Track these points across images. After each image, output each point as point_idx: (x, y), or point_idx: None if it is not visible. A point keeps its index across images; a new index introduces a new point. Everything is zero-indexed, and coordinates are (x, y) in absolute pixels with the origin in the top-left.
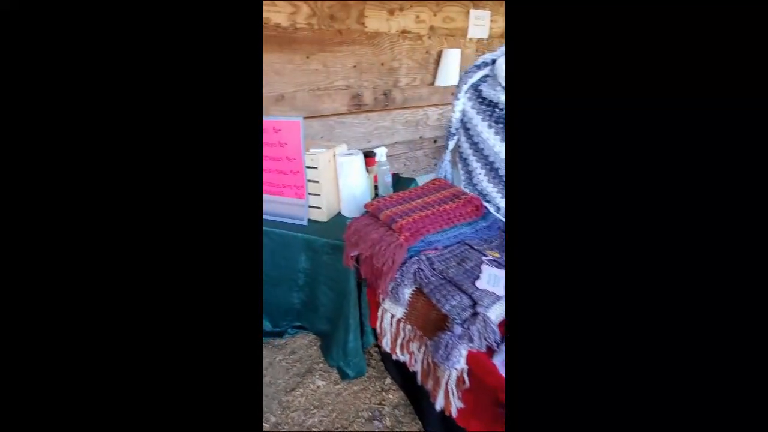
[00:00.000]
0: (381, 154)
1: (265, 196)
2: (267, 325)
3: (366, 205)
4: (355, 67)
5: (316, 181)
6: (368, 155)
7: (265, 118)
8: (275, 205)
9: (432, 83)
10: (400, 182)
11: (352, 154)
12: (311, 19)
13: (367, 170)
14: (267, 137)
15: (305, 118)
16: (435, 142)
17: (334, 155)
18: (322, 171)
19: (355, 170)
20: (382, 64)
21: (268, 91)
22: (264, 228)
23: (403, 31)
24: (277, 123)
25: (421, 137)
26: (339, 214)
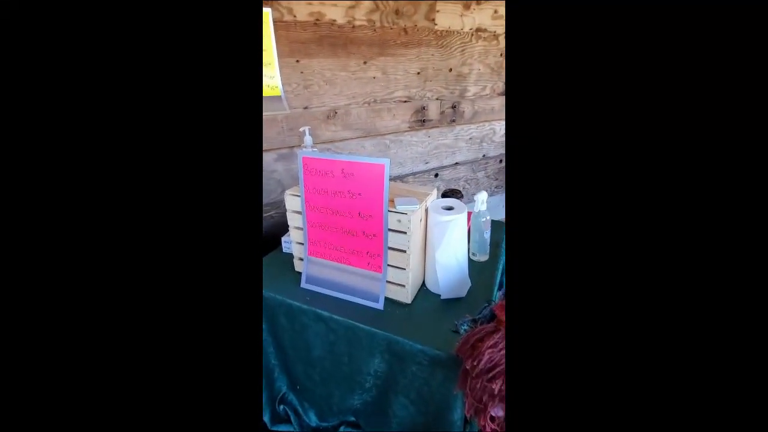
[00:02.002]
0: (481, 201)
1: (320, 261)
2: (312, 419)
3: (499, 311)
4: (419, 73)
5: (403, 251)
6: (447, 196)
7: (328, 156)
8: (336, 273)
9: (504, 93)
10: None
11: (452, 209)
12: (373, 15)
13: None
14: (331, 183)
15: (358, 138)
16: (501, 162)
17: (426, 211)
18: (413, 235)
19: (458, 234)
20: (450, 70)
21: (317, 104)
22: (316, 310)
23: (478, 30)
24: (349, 165)
25: (484, 156)
26: (422, 287)
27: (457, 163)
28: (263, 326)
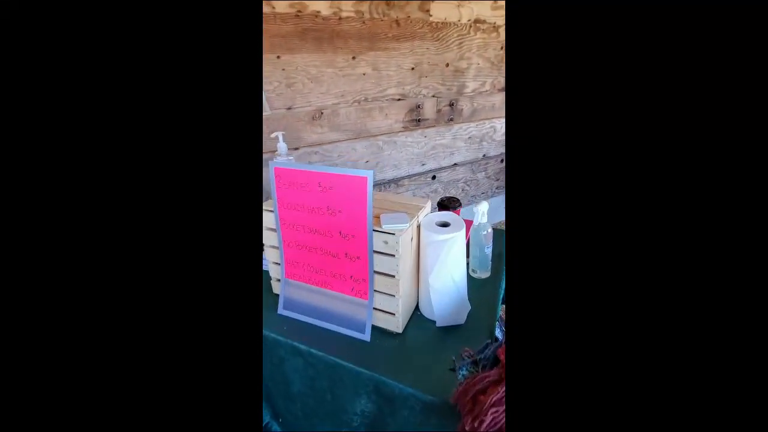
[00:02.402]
0: (481, 213)
1: (299, 284)
2: None
3: (504, 356)
4: (413, 69)
5: (391, 276)
6: (444, 205)
7: (302, 167)
8: (317, 298)
9: (504, 88)
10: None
11: (447, 226)
12: (361, 6)
13: None
14: (308, 198)
15: (348, 140)
16: (502, 161)
17: (419, 227)
18: (403, 259)
19: (455, 254)
20: (447, 65)
21: (301, 104)
22: (293, 343)
23: (476, 21)
24: (327, 177)
25: (484, 156)
26: (415, 312)
27: (455, 164)
28: None
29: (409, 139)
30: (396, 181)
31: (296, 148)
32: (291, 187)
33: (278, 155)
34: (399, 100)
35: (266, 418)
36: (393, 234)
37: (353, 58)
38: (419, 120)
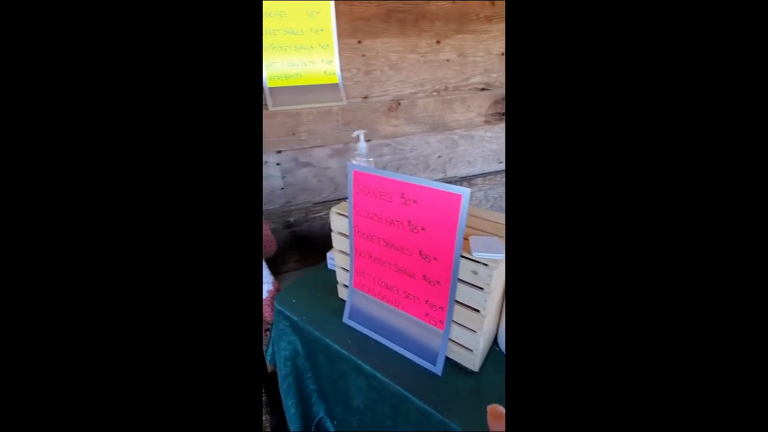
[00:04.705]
0: None
1: (367, 296)
2: None
3: None
4: (503, 54)
5: (476, 311)
6: None
7: (386, 174)
8: (386, 314)
9: None
10: None
11: None
12: None
13: None
14: (388, 208)
15: (423, 133)
16: None
17: None
18: (494, 292)
19: None
20: None
21: (378, 93)
22: (357, 361)
23: None
24: (412, 189)
25: None
26: (493, 348)
27: None
28: (300, 349)
29: (488, 134)
30: (468, 179)
31: (368, 140)
32: (370, 194)
33: (358, 156)
34: (483, 89)
35: (320, 413)
36: (486, 265)
37: (437, 42)
38: (503, 114)
